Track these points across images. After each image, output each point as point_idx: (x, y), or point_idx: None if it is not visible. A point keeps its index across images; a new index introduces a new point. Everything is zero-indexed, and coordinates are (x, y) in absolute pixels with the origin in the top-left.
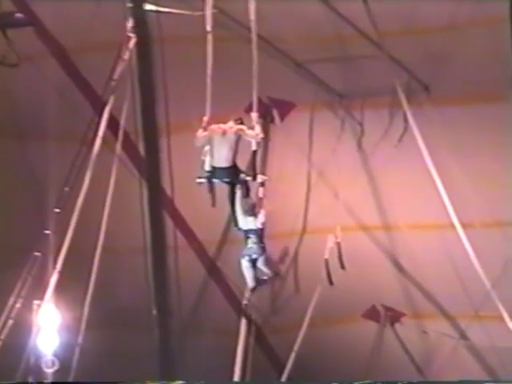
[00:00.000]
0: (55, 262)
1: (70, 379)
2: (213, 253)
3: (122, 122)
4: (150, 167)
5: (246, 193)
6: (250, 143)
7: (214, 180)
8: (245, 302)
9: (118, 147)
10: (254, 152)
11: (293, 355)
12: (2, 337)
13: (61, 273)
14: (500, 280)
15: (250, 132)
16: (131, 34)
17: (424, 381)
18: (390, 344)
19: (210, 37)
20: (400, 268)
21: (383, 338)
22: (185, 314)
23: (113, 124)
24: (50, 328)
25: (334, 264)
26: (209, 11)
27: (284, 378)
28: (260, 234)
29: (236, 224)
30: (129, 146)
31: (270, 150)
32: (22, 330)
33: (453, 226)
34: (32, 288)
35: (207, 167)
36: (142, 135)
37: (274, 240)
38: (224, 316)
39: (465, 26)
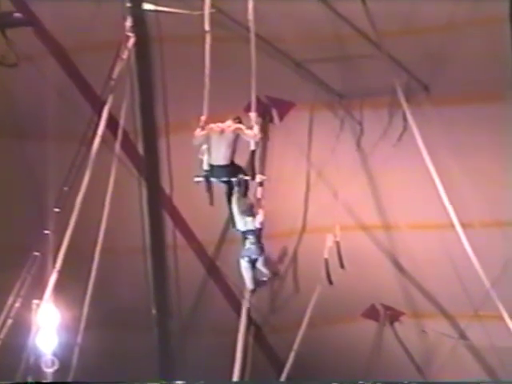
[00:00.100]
0: (54, 262)
1: (70, 379)
2: (212, 252)
3: (121, 122)
4: (149, 167)
5: (245, 193)
6: (248, 143)
7: (212, 179)
8: (247, 305)
9: (117, 147)
10: (253, 152)
11: (292, 355)
12: (2, 336)
13: (60, 272)
14: (500, 280)
15: (248, 132)
16: (130, 34)
17: (424, 381)
18: (389, 343)
19: (208, 36)
20: (399, 267)
21: (383, 337)
22: (184, 313)
23: (112, 123)
24: (49, 328)
25: (334, 263)
26: (207, 11)
27: (283, 377)
28: (258, 234)
29: (234, 225)
30: (128, 146)
31: (270, 150)
32: (21, 329)
33: (452, 225)
34: (31, 287)
35: (205, 166)
36: (141, 135)
37: (274, 240)
38: (223, 316)
39: (464, 26)
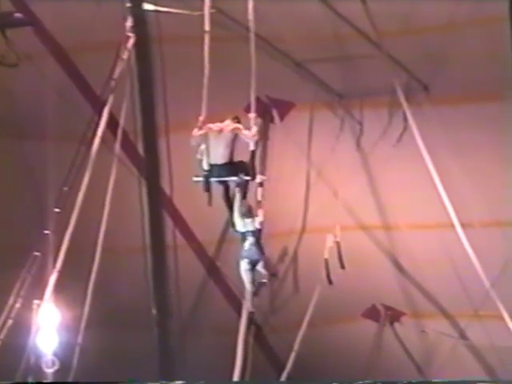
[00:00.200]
0: (55, 262)
1: (70, 379)
2: (212, 252)
3: (121, 122)
4: (149, 167)
5: (244, 195)
6: (248, 143)
7: (211, 179)
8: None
9: (117, 147)
10: (253, 152)
11: (292, 355)
12: (2, 336)
13: (60, 272)
14: (499, 279)
15: (246, 132)
16: (130, 34)
17: (424, 381)
18: (389, 343)
19: (207, 37)
20: (399, 267)
21: (383, 337)
22: (184, 313)
23: (112, 123)
24: (49, 328)
25: (334, 263)
26: (207, 11)
27: (283, 377)
28: (258, 234)
29: (233, 226)
30: (128, 146)
31: (270, 150)
32: (21, 329)
33: (452, 225)
34: (32, 287)
35: (205, 166)
36: (141, 135)
37: (274, 239)
38: (223, 316)
39: (464, 26)
